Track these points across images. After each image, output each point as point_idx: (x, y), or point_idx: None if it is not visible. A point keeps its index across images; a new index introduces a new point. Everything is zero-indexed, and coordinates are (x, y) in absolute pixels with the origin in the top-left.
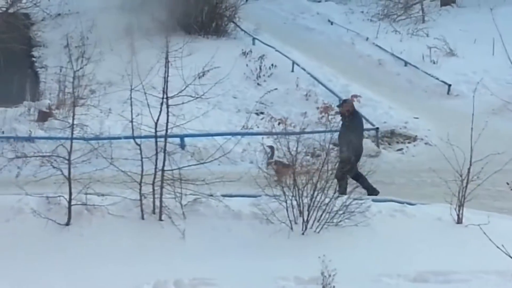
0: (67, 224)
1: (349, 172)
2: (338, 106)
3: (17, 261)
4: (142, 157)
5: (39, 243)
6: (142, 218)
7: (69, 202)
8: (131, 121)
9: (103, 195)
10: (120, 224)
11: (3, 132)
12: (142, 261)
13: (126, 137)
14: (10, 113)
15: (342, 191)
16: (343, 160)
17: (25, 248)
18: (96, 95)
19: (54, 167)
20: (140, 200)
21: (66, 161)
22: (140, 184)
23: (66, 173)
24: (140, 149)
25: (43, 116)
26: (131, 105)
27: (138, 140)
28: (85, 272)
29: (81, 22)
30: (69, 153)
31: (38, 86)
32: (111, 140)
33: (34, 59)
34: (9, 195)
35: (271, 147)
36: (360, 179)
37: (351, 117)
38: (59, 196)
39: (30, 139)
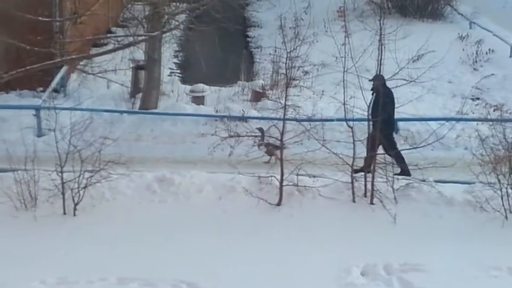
0: (278, 204)
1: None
2: (370, 81)
3: (228, 237)
4: (354, 140)
5: (250, 221)
6: (353, 201)
7: (281, 182)
8: (344, 104)
9: (314, 176)
10: (330, 206)
11: (217, 111)
12: (352, 243)
13: (338, 119)
14: (224, 93)
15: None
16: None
17: (236, 225)
18: (309, 76)
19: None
20: (352, 183)
21: (279, 142)
22: (352, 166)
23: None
24: (353, 132)
25: (257, 96)
26: (344, 87)
27: (350, 123)
28: (295, 252)
29: (296, 3)
30: (282, 133)
31: (252, 66)
32: (323, 122)
33: (249, 39)
34: (222, 174)
35: (261, 129)
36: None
37: (381, 92)
38: (271, 176)
39: (243, 118)
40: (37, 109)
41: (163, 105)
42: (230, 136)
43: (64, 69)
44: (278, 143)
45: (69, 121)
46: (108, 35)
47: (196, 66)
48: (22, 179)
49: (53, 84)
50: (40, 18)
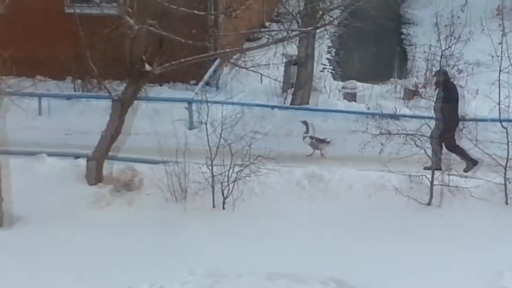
0: (429, 204)
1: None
2: (433, 76)
3: (377, 236)
4: (508, 141)
5: (400, 220)
6: (506, 203)
7: (432, 182)
8: (499, 103)
9: (466, 177)
10: (482, 208)
11: (369, 108)
12: (504, 246)
13: (492, 120)
14: (376, 90)
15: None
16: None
17: (386, 224)
18: (464, 75)
19: (417, 146)
20: (505, 184)
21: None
22: (505, 168)
23: (429, 153)
24: (507, 132)
25: (409, 94)
26: (499, 87)
27: (505, 123)
28: (445, 253)
29: (452, 1)
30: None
31: (406, 64)
32: (476, 121)
33: (403, 36)
34: (372, 171)
35: (305, 122)
36: (456, 150)
37: (444, 87)
38: (422, 175)
39: (395, 116)
40: (189, 102)
41: (315, 100)
42: (381, 134)
43: (217, 63)
44: (323, 137)
45: (220, 114)
46: (262, 29)
47: (349, 62)
48: (173, 171)
49: (206, 77)
50: (195, 11)
